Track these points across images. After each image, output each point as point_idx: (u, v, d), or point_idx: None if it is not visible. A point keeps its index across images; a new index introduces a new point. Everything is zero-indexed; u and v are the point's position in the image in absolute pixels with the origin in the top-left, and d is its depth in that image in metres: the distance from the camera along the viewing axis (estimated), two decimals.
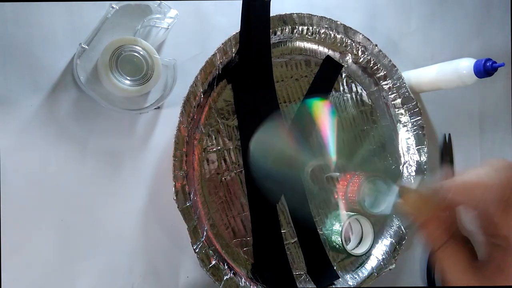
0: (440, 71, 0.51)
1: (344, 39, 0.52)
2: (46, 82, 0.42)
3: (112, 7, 0.40)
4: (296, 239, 0.49)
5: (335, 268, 0.50)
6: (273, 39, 0.49)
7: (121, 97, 0.43)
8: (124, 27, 0.42)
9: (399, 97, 0.55)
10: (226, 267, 0.44)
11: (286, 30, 0.49)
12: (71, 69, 0.41)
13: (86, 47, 0.39)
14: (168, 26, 0.43)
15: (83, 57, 0.40)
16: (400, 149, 0.56)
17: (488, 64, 0.43)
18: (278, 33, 0.49)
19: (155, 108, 0.44)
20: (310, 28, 0.50)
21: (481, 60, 0.44)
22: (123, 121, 0.45)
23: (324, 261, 0.49)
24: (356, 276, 0.51)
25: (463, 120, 0.64)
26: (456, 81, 0.49)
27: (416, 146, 0.55)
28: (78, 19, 0.43)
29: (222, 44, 0.45)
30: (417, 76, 0.55)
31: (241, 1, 0.47)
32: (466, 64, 0.46)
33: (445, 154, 0.62)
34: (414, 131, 0.55)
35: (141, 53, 0.41)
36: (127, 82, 0.41)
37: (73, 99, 0.42)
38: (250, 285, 0.45)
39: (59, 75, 0.42)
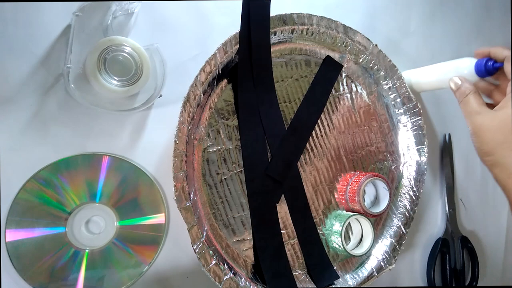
0: (441, 71, 0.51)
1: (344, 39, 0.52)
2: (46, 82, 0.42)
3: (77, 15, 0.40)
4: (296, 239, 0.49)
5: (335, 268, 0.50)
6: (273, 39, 0.49)
7: (117, 98, 0.43)
8: (93, 28, 0.42)
9: (399, 97, 0.55)
10: (226, 267, 0.44)
11: (286, 30, 0.49)
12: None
13: (71, 66, 0.39)
14: (135, 9, 0.44)
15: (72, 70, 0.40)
16: (400, 149, 0.56)
17: (489, 64, 0.43)
18: (278, 33, 0.49)
19: (159, 97, 0.43)
20: (310, 28, 0.50)
21: (481, 60, 0.44)
22: (119, 121, 0.45)
23: (324, 261, 0.49)
24: (356, 276, 0.51)
25: (463, 120, 0.63)
26: None
27: (416, 146, 0.55)
28: None
29: (222, 44, 0.45)
30: (417, 75, 0.55)
31: (241, 1, 0.47)
32: (467, 64, 0.46)
33: (445, 154, 0.62)
34: (414, 131, 0.55)
35: (127, 51, 0.41)
36: (116, 82, 0.41)
37: (73, 99, 0.42)
38: (250, 285, 0.45)
39: (59, 75, 0.42)
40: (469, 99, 0.42)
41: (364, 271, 0.51)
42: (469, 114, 0.42)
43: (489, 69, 0.43)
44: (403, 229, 0.53)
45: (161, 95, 0.43)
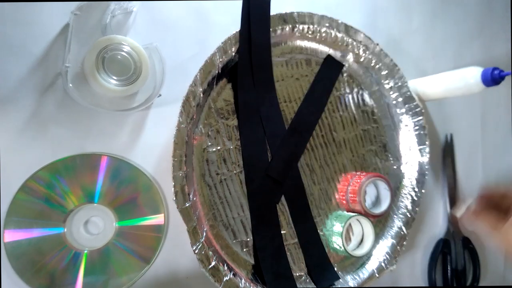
0: (447, 80, 0.50)
1: (345, 38, 0.52)
2: (44, 81, 0.42)
3: (75, 14, 0.40)
4: (296, 239, 0.48)
5: (335, 268, 0.50)
6: (274, 38, 0.48)
7: (115, 97, 0.43)
8: (92, 27, 0.42)
9: (401, 97, 0.55)
10: (226, 268, 0.44)
11: (287, 29, 0.49)
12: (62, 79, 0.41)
13: (69, 65, 0.39)
14: (134, 8, 0.43)
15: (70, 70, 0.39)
16: (401, 149, 0.56)
17: (495, 72, 0.43)
18: (279, 32, 0.48)
19: (158, 96, 0.43)
20: (311, 27, 0.50)
21: (488, 68, 0.44)
22: (118, 121, 0.44)
23: (324, 261, 0.49)
24: (356, 277, 0.50)
25: (465, 120, 0.64)
26: (462, 90, 0.48)
27: (417, 146, 0.55)
28: None
29: (222, 43, 0.45)
30: (423, 85, 0.54)
31: (241, 0, 0.46)
32: (473, 73, 0.46)
33: (447, 154, 0.61)
34: (415, 131, 0.55)
35: (126, 50, 0.40)
36: (115, 81, 0.40)
37: (72, 99, 0.42)
38: (250, 286, 0.45)
39: (57, 74, 0.42)
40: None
41: (365, 272, 0.51)
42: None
43: (495, 78, 0.43)
44: (404, 229, 0.53)
45: (160, 95, 0.43)
